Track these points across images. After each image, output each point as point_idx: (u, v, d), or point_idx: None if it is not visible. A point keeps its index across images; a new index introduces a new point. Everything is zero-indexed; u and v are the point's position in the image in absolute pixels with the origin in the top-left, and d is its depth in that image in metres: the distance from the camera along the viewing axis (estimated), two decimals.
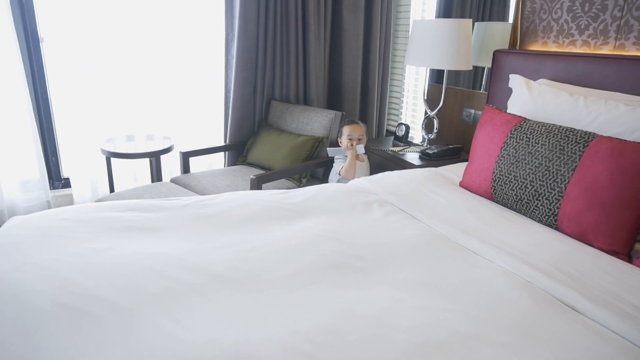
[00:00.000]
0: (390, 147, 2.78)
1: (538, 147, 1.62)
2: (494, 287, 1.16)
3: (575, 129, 1.57)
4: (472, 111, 2.73)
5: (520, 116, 1.79)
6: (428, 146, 2.65)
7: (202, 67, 3.12)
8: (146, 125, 3.11)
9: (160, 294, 1.05)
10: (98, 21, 2.78)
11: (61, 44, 2.72)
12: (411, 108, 3.41)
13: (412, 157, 2.59)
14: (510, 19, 2.48)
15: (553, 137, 1.59)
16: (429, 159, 2.52)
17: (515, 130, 1.73)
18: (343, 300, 1.09)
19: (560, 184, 1.51)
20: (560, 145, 1.55)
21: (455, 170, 2.16)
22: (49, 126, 2.96)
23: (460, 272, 1.23)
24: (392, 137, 3.10)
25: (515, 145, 1.70)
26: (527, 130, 1.69)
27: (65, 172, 3.11)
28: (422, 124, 2.82)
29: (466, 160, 2.57)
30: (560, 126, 1.63)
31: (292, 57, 3.03)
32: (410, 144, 2.85)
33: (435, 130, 2.73)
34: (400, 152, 2.65)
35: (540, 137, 1.63)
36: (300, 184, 2.77)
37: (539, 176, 1.58)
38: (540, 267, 1.25)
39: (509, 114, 1.83)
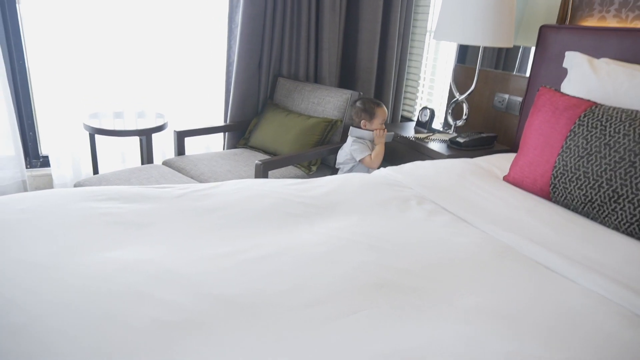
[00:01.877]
0: (412, 134, 2.46)
1: (619, 137, 1.31)
2: (596, 322, 0.86)
3: None
4: (507, 96, 2.41)
5: (589, 100, 1.48)
6: (457, 134, 2.34)
7: (201, 36, 2.76)
8: (137, 100, 2.76)
9: (144, 331, 0.73)
10: None
11: (41, 5, 2.36)
12: (427, 91, 3.09)
13: (439, 146, 2.28)
14: None
15: (639, 125, 1.29)
16: (459, 149, 2.22)
17: (585, 116, 1.42)
18: (399, 341, 0.78)
19: None
20: None
21: (494, 162, 1.86)
22: (26, 97, 2.61)
23: (546, 299, 0.93)
24: (409, 123, 2.79)
25: (586, 135, 1.39)
26: (602, 117, 1.38)
27: (44, 150, 2.77)
28: (449, 109, 2.50)
29: (501, 150, 2.27)
30: None
31: (304, 28, 2.68)
32: (433, 130, 2.54)
33: (464, 117, 2.42)
34: (426, 140, 2.34)
35: (622, 125, 1.32)
36: (309, 172, 2.45)
37: (620, 174, 1.28)
38: None
39: (575, 97, 1.52)
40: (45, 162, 2.76)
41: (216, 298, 0.84)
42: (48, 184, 2.74)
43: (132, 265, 0.90)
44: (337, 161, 2.38)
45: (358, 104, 2.31)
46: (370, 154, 2.22)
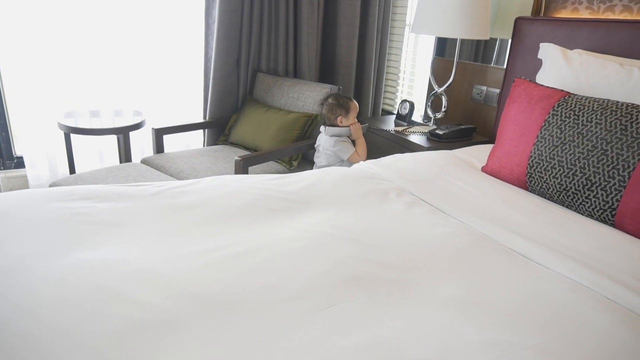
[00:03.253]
0: (392, 127, 2.47)
1: (591, 126, 1.33)
2: (570, 308, 0.88)
3: (639, 105, 1.29)
4: (485, 88, 2.44)
5: (562, 90, 1.50)
6: (436, 126, 2.35)
7: (178, 32, 2.72)
8: (114, 98, 2.71)
9: (117, 332, 0.71)
10: None
11: (11, 3, 2.29)
12: (408, 84, 3.10)
13: (418, 138, 2.29)
14: None
15: (611, 114, 1.31)
16: (439, 141, 2.23)
17: (558, 106, 1.45)
18: (376, 332, 0.79)
19: (622, 172, 1.24)
20: (621, 124, 1.27)
21: (472, 153, 1.87)
22: None
23: (521, 286, 0.95)
24: (390, 116, 2.79)
25: (560, 125, 1.41)
26: (575, 106, 1.41)
27: (18, 150, 2.71)
28: (428, 102, 2.52)
29: (480, 142, 2.29)
30: (618, 101, 1.35)
31: (282, 24, 2.67)
32: (413, 123, 2.55)
33: (443, 109, 2.44)
34: (406, 133, 2.35)
35: (594, 114, 1.35)
36: (290, 167, 2.44)
37: (593, 162, 1.30)
38: (619, 278, 0.97)
39: (549, 87, 1.54)
40: (19, 163, 2.69)
41: (192, 296, 0.83)
42: (23, 184, 2.68)
43: (106, 265, 0.88)
44: (318, 166, 2.33)
45: (330, 100, 2.27)
46: (356, 150, 2.21)
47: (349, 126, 2.22)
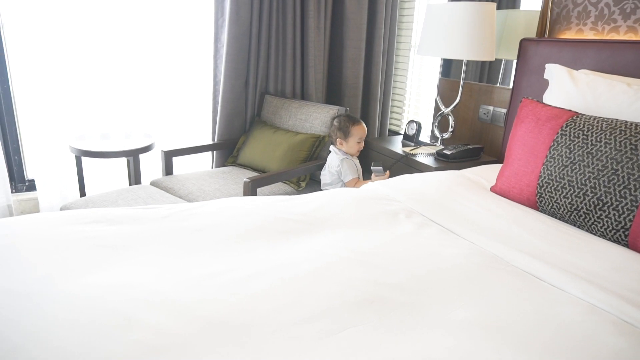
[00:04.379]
0: (400, 148, 2.48)
1: (600, 146, 1.33)
2: (586, 331, 0.86)
3: None
4: (491, 108, 2.45)
5: (570, 110, 1.51)
6: (444, 146, 2.36)
7: (188, 55, 2.78)
8: (124, 121, 2.76)
9: (128, 357, 0.71)
10: (67, 1, 2.42)
11: (25, 29, 2.36)
12: (414, 105, 3.13)
13: (426, 158, 2.29)
14: (522, 6, 2.22)
15: (620, 134, 1.31)
16: (447, 161, 2.23)
17: (567, 126, 1.45)
18: (389, 356, 0.77)
19: (634, 192, 1.23)
20: (631, 143, 1.27)
21: (481, 173, 1.87)
22: (11, 120, 2.59)
23: (535, 308, 0.93)
24: (397, 137, 2.81)
25: (569, 145, 1.41)
26: (584, 127, 1.41)
27: (29, 173, 2.74)
28: (435, 122, 2.53)
29: (488, 162, 2.29)
30: (627, 121, 1.35)
31: (289, 47, 2.71)
32: (421, 143, 2.56)
33: (450, 129, 2.45)
34: (413, 153, 2.35)
35: (603, 134, 1.35)
36: (299, 188, 2.45)
37: (604, 181, 1.30)
38: (634, 300, 0.95)
39: (556, 107, 1.54)
40: (31, 186, 2.72)
41: (204, 319, 0.83)
42: (34, 208, 2.70)
43: (117, 289, 0.88)
44: (323, 182, 2.35)
45: (335, 121, 2.31)
46: (358, 178, 2.23)
47: (348, 152, 2.26)
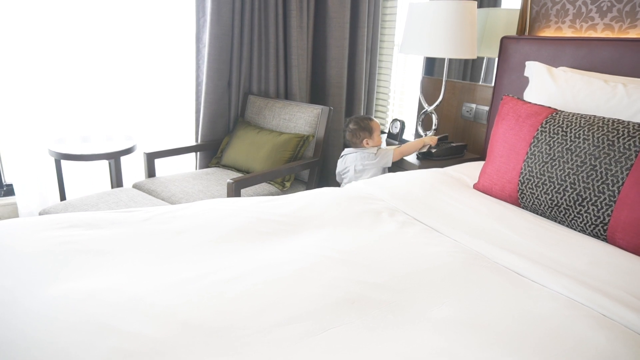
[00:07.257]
0: (384, 146, 2.48)
1: (579, 142, 1.35)
2: (566, 326, 0.87)
3: (625, 121, 1.31)
4: (474, 106, 2.47)
5: (550, 107, 1.52)
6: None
7: (169, 56, 2.75)
8: (104, 123, 2.71)
9: None
10: (44, 0, 2.37)
11: (1, 30, 2.30)
12: (398, 103, 3.14)
13: (410, 157, 2.30)
14: (504, 4, 2.24)
15: (598, 130, 1.33)
16: (431, 159, 2.24)
17: (547, 123, 1.46)
18: (371, 356, 0.77)
19: (612, 187, 1.25)
20: (608, 139, 1.29)
21: (464, 171, 1.88)
22: None
23: (515, 304, 0.94)
24: (382, 135, 2.81)
25: (549, 141, 1.42)
26: (563, 123, 1.42)
27: (7, 178, 2.68)
28: (419, 120, 2.54)
29: (471, 159, 2.31)
30: (604, 117, 1.36)
31: (272, 46, 2.70)
32: (405, 142, 2.57)
33: (434, 127, 2.46)
34: None
35: (581, 130, 1.36)
36: (283, 188, 2.44)
37: (583, 177, 1.31)
38: (613, 294, 0.97)
39: (536, 104, 1.56)
40: (9, 191, 2.67)
41: (183, 324, 0.81)
42: (13, 213, 2.64)
43: (94, 295, 0.86)
44: (346, 182, 2.26)
45: (351, 125, 2.24)
46: (398, 146, 2.21)
47: (376, 146, 2.21)
